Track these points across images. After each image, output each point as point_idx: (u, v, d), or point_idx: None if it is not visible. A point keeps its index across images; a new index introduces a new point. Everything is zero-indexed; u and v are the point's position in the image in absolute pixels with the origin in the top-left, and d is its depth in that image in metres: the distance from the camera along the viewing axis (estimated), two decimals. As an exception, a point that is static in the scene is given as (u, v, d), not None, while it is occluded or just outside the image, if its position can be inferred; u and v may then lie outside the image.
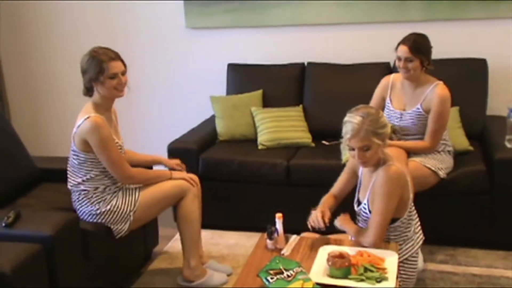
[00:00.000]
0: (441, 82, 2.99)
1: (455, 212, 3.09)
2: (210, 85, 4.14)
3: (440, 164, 2.97)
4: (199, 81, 4.24)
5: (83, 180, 2.63)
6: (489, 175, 3.01)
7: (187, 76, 4.28)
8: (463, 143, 3.24)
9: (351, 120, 2.21)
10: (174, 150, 3.44)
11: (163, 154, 3.33)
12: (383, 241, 2.25)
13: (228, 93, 3.97)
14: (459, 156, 3.14)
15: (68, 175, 2.70)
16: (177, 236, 3.39)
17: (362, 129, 2.18)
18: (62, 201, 2.84)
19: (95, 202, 2.64)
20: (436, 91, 2.94)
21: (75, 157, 2.62)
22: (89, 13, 4.34)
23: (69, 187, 2.70)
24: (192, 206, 2.80)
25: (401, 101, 3.08)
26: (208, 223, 3.11)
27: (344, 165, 3.10)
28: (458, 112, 3.36)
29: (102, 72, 2.54)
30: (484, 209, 3.04)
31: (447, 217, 3.10)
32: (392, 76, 3.17)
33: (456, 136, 3.22)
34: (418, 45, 2.90)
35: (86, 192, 2.64)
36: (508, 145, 3.03)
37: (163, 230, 3.34)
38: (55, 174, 3.12)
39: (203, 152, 3.49)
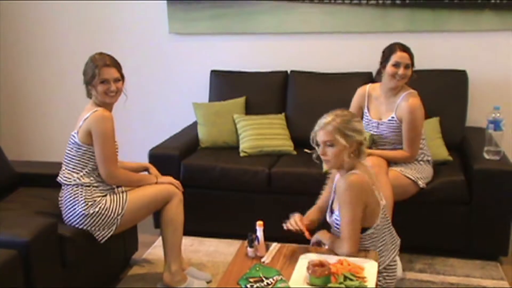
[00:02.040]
0: (412, 91, 3.02)
1: (434, 222, 3.12)
2: (192, 92, 4.13)
3: (419, 174, 3.00)
4: (181, 87, 4.23)
5: (82, 174, 2.65)
6: (468, 185, 3.04)
7: (170, 82, 4.27)
8: (443, 153, 3.28)
9: (323, 117, 2.26)
10: (156, 156, 3.42)
11: (144, 160, 3.30)
12: (358, 250, 2.24)
13: (210, 99, 3.96)
14: (438, 166, 3.17)
15: (63, 170, 2.71)
16: (157, 243, 3.38)
17: (330, 124, 2.22)
18: (40, 206, 2.80)
19: (86, 200, 2.62)
20: (406, 99, 2.98)
21: (75, 149, 2.66)
22: (70, 17, 4.31)
23: (63, 181, 2.69)
24: (177, 210, 2.82)
25: (377, 110, 3.12)
26: (189, 229, 3.08)
27: (325, 174, 3.13)
28: (438, 122, 3.40)
29: (94, 76, 2.65)
30: (463, 219, 3.07)
31: (426, 226, 3.12)
32: (368, 86, 3.20)
33: (435, 146, 3.26)
34: (412, 53, 2.99)
35: (80, 187, 2.63)
36: (487, 156, 3.07)
37: (142, 236, 3.31)
38: (34, 178, 3.09)
39: (185, 159, 3.47)
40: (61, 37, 4.37)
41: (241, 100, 3.81)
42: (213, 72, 3.99)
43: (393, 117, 3.02)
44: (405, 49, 2.97)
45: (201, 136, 3.71)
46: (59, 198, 2.73)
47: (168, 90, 4.28)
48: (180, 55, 4.19)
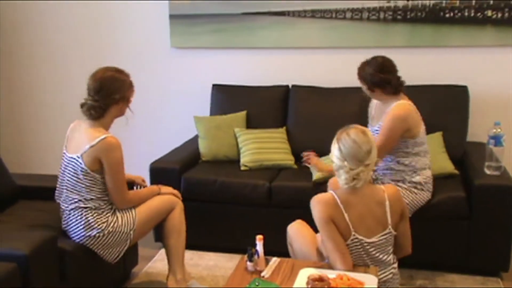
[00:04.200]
0: (402, 102, 2.91)
1: (434, 237, 3.10)
2: (194, 105, 4.14)
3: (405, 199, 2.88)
4: (183, 101, 4.25)
5: (90, 198, 2.60)
6: (468, 201, 3.03)
7: (171, 96, 4.28)
8: (448, 167, 3.26)
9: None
10: (156, 170, 3.43)
11: (145, 173, 3.30)
12: (351, 261, 2.23)
13: (211, 113, 3.97)
14: (442, 179, 3.14)
15: (65, 193, 2.63)
16: (157, 256, 3.37)
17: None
18: (41, 219, 2.79)
19: (99, 222, 2.59)
20: (393, 108, 2.90)
21: (82, 174, 2.56)
22: (73, 32, 4.34)
23: (67, 206, 2.62)
24: (181, 218, 2.84)
25: (374, 118, 3.11)
26: (189, 243, 3.07)
27: (315, 184, 3.18)
28: (441, 137, 3.39)
29: (131, 87, 2.68)
30: (463, 235, 3.06)
31: (427, 241, 3.10)
32: None
33: (440, 160, 3.24)
34: (360, 72, 2.97)
35: (89, 210, 2.59)
36: (488, 171, 3.06)
37: (143, 250, 3.30)
38: (34, 191, 3.08)
39: (186, 172, 3.47)
40: (63, 51, 4.40)
41: (242, 114, 3.82)
42: (215, 86, 4.01)
43: (380, 125, 2.95)
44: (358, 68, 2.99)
45: (202, 149, 3.71)
46: (63, 222, 2.68)
47: (170, 104, 4.30)
48: (181, 69, 4.22)
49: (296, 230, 2.57)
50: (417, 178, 2.95)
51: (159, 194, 2.85)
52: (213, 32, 4.04)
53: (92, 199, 2.61)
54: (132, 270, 3.21)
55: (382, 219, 2.27)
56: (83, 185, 2.59)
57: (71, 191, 2.62)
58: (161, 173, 3.40)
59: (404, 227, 2.37)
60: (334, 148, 2.29)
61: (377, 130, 2.96)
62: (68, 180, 2.62)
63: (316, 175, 3.21)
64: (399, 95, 2.95)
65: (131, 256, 3.14)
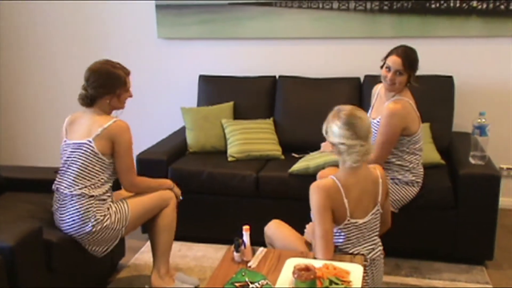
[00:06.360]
0: (402, 98, 2.87)
1: (420, 226, 3.13)
2: (181, 96, 4.13)
3: (391, 196, 2.89)
4: (170, 92, 4.23)
5: (92, 185, 2.59)
6: (454, 190, 3.06)
7: (158, 87, 4.27)
8: (435, 157, 3.29)
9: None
10: (143, 161, 3.42)
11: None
12: (332, 250, 2.24)
13: (199, 104, 3.96)
14: (429, 170, 3.15)
15: (70, 179, 2.59)
16: (144, 248, 3.37)
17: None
18: (26, 211, 2.77)
19: (97, 215, 2.58)
20: (389, 104, 2.86)
21: (91, 158, 2.57)
22: (60, 23, 4.30)
23: (70, 191, 2.57)
24: (173, 215, 2.85)
25: (377, 110, 3.05)
26: (176, 235, 3.08)
27: (290, 174, 3.18)
28: (428, 128, 3.41)
29: (124, 85, 2.68)
30: (449, 223, 3.09)
31: (413, 231, 3.13)
32: (381, 85, 3.07)
33: (427, 151, 3.25)
34: (411, 60, 2.85)
35: (92, 199, 2.57)
36: (472, 161, 3.09)
37: (129, 241, 3.30)
38: (20, 183, 3.06)
39: (173, 163, 3.46)
40: (52, 43, 4.36)
41: (229, 105, 3.82)
42: (202, 77, 4.00)
43: (380, 119, 2.91)
44: (401, 54, 2.83)
45: (189, 141, 3.70)
46: (58, 213, 2.64)
47: (157, 95, 4.28)
48: (168, 60, 4.20)
49: (276, 230, 2.55)
50: (409, 177, 2.96)
51: (171, 189, 2.88)
52: (200, 22, 4.03)
53: (102, 184, 2.61)
54: (119, 261, 3.21)
55: (375, 197, 2.32)
56: (93, 170, 2.59)
57: (77, 177, 2.58)
58: (148, 164, 3.39)
59: (387, 204, 2.46)
60: (341, 129, 2.20)
61: (376, 125, 2.91)
62: (75, 167, 2.58)
63: (293, 167, 3.22)
64: (405, 91, 2.91)
65: (118, 248, 3.11)
